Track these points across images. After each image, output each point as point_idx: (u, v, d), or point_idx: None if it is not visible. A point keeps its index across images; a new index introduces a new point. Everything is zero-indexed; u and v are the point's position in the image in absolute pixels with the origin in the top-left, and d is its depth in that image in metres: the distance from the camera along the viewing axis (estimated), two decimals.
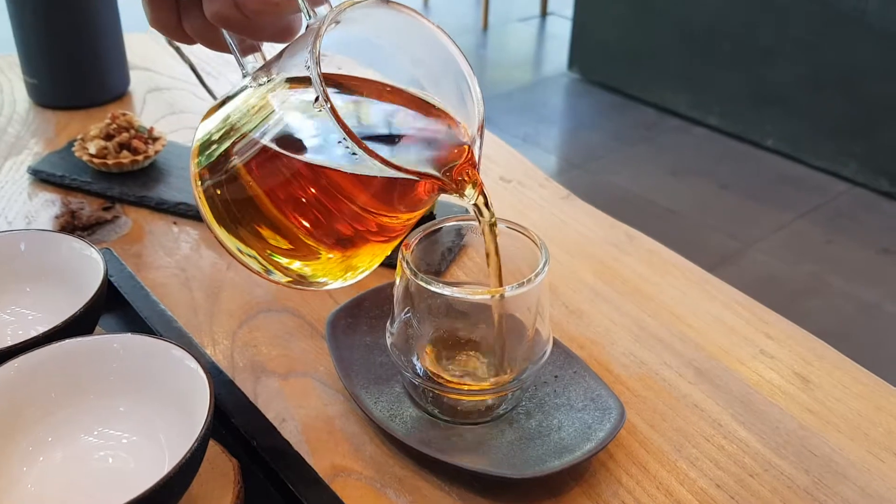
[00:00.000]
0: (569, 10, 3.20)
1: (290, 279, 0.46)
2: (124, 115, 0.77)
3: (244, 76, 0.45)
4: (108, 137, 0.75)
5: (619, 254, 0.68)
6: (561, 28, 3.58)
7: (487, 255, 0.45)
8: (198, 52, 1.03)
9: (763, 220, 2.18)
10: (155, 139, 0.77)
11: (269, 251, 0.44)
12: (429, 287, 0.44)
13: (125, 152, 0.74)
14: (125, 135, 0.75)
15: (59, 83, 0.90)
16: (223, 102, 0.45)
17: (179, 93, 0.96)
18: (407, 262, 0.45)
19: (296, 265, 0.45)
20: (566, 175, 2.41)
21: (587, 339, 0.58)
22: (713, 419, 0.51)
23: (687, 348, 0.57)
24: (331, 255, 0.45)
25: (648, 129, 2.69)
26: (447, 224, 0.50)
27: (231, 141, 0.43)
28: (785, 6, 2.36)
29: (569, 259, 0.66)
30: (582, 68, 3.02)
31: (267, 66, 0.43)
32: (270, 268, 0.45)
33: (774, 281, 1.94)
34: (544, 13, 3.81)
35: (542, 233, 0.49)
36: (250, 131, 0.42)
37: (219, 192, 0.44)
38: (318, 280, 0.46)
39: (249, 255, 0.44)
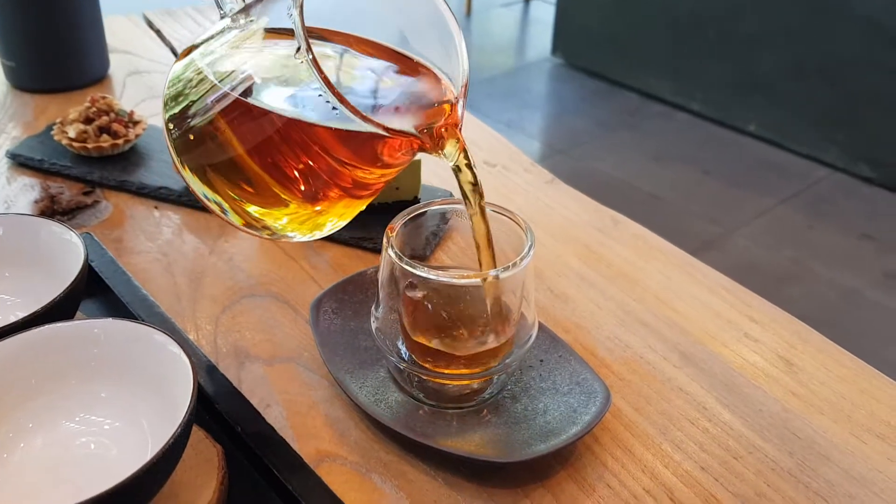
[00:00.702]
0: None
1: (244, 221, 0.45)
2: (104, 98, 0.76)
3: (222, 17, 0.44)
4: (88, 121, 0.74)
5: (605, 238, 0.67)
6: (544, 13, 3.56)
7: (475, 235, 0.44)
8: (178, 35, 1.02)
9: (745, 206, 2.19)
10: (135, 123, 0.76)
11: (239, 201, 0.43)
12: (414, 271, 0.44)
13: (105, 136, 0.73)
14: (105, 118, 0.74)
15: (37, 66, 0.88)
16: (200, 44, 0.44)
17: (160, 76, 0.95)
18: (392, 246, 0.45)
19: (263, 215, 0.44)
20: (549, 160, 2.41)
21: (572, 323, 0.58)
22: (698, 402, 0.51)
23: (672, 332, 0.57)
24: (301, 208, 0.44)
25: (632, 114, 2.70)
26: (432, 208, 0.49)
27: (206, 87, 0.42)
28: None
29: (554, 243, 0.66)
30: (565, 53, 3.02)
31: (247, 9, 0.42)
32: (228, 209, 0.44)
33: (756, 266, 1.95)
34: None
35: (527, 217, 0.49)
36: (226, 78, 0.41)
37: (191, 137, 0.43)
38: (288, 234, 0.46)
39: (216, 202, 0.44)
